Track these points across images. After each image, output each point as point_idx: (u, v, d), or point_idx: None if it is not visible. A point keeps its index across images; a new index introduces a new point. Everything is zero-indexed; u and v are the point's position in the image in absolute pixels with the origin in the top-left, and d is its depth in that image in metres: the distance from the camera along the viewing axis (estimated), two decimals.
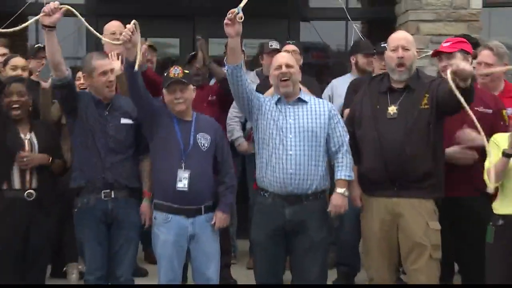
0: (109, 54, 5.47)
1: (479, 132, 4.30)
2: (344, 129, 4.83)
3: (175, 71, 4.81)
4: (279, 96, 4.86)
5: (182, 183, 4.71)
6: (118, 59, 5.50)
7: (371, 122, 4.80)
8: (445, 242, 4.71)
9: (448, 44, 5.17)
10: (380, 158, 4.70)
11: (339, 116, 4.89)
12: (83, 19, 4.70)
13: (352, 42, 7.77)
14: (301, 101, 4.85)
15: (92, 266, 4.87)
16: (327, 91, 6.50)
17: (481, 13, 7.60)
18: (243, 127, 6.32)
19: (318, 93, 5.82)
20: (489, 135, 4.51)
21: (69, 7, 4.65)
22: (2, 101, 5.07)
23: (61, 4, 4.63)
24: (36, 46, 6.57)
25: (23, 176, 4.98)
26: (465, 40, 5.27)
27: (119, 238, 4.88)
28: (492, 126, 4.77)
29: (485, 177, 4.38)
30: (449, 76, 4.29)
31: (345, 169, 4.75)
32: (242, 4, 4.47)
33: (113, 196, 4.86)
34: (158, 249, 4.81)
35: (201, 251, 4.79)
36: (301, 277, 4.79)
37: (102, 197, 4.84)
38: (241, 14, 4.45)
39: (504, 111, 5.02)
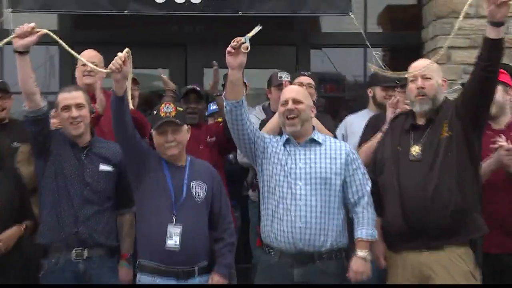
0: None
1: None
2: (366, 177, 4.87)
3: (167, 109, 4.85)
4: (287, 136, 4.90)
5: (173, 241, 4.72)
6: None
7: (391, 166, 4.86)
8: None
9: None
10: (400, 208, 4.74)
11: (360, 161, 4.93)
12: (63, 43, 4.75)
13: (372, 72, 7.83)
14: (314, 142, 4.89)
15: None
16: (340, 130, 6.55)
17: None
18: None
19: (332, 131, 5.83)
20: None
21: (48, 31, 4.70)
22: None
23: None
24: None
25: None
26: (504, 71, 5.33)
27: None
28: None
29: None
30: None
31: (366, 227, 4.76)
32: (251, 34, 4.56)
33: (86, 255, 4.87)
34: None
35: None
36: None
37: (74, 256, 4.85)
38: (247, 44, 4.53)
39: None
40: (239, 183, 6.87)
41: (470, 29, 7.64)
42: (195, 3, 7.44)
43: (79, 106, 5.00)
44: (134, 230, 5.10)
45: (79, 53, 4.96)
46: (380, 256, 4.92)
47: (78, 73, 5.95)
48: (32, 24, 4.64)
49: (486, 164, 5.04)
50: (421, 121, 4.90)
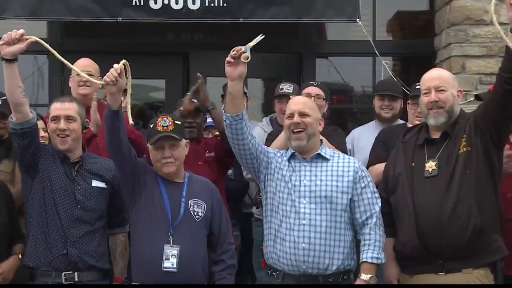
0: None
1: None
2: (375, 196, 4.85)
3: (164, 122, 4.84)
4: (292, 151, 4.90)
5: (170, 262, 4.71)
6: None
7: (405, 183, 4.84)
8: None
9: None
10: (415, 228, 4.73)
11: (369, 179, 4.90)
12: (55, 52, 4.72)
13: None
14: (320, 157, 4.88)
15: None
16: (347, 145, 6.54)
17: None
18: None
19: (342, 146, 5.79)
20: None
21: (37, 38, 4.69)
22: None
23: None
24: None
25: None
26: None
27: None
28: None
29: None
30: None
31: (372, 249, 4.75)
32: (252, 43, 4.56)
33: (76, 279, 4.84)
34: None
35: None
36: None
37: (63, 280, 4.82)
38: (248, 54, 4.52)
39: None
40: (239, 200, 6.88)
41: (486, 36, 7.65)
42: (193, 9, 7.45)
43: (69, 118, 4.98)
44: (128, 251, 5.10)
45: (72, 63, 4.95)
46: (393, 280, 4.90)
47: (72, 84, 5.92)
48: (21, 31, 4.63)
49: None
50: (435, 135, 4.89)
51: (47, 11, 7.50)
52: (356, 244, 4.87)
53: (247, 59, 4.55)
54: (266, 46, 4.68)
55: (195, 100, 5.93)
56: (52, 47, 4.78)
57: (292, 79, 6.95)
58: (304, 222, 4.71)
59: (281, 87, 6.38)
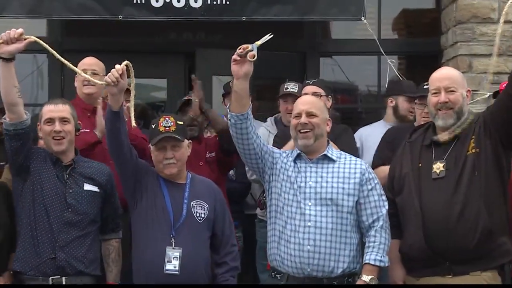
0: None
1: None
2: (382, 198, 4.84)
3: (166, 123, 4.85)
4: (298, 151, 4.89)
5: (172, 265, 4.72)
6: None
7: (412, 184, 4.83)
8: None
9: None
10: (422, 230, 4.72)
11: (376, 181, 4.89)
12: (55, 52, 4.73)
13: (387, 81, 7.82)
14: (327, 159, 4.87)
15: None
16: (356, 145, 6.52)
17: None
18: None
19: (352, 147, 5.75)
20: None
21: (36, 38, 4.69)
22: None
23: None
24: None
25: None
26: None
27: None
28: None
29: None
30: None
31: (376, 252, 4.74)
32: (260, 42, 4.56)
33: (63, 283, 4.82)
34: None
35: None
36: None
37: (51, 284, 4.80)
38: (254, 52, 4.52)
39: None
40: (241, 201, 6.88)
41: (494, 35, 7.58)
42: (195, 7, 7.44)
43: (63, 120, 4.97)
44: (121, 258, 5.12)
45: (72, 62, 4.93)
46: (399, 282, 4.91)
47: (78, 83, 5.92)
48: (20, 30, 4.63)
49: None
50: (444, 136, 4.88)
51: (47, 9, 7.48)
52: (363, 247, 4.86)
53: (254, 58, 4.54)
54: (270, 45, 4.67)
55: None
56: (51, 46, 4.78)
57: (296, 79, 6.93)
58: (309, 224, 4.70)
59: (286, 86, 6.38)
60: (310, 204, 4.73)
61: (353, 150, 5.54)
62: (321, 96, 5.96)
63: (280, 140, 5.58)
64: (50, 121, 4.95)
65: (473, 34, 7.70)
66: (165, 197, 4.84)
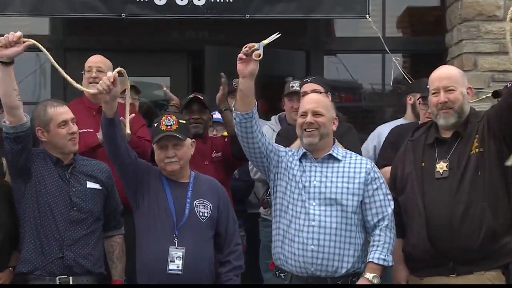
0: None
1: None
2: (387, 198, 4.85)
3: (168, 121, 4.86)
4: (304, 150, 4.90)
5: (175, 264, 4.73)
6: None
7: (415, 184, 4.84)
8: None
9: None
10: (425, 230, 4.73)
11: (382, 180, 4.90)
12: (49, 56, 4.77)
13: (392, 80, 7.82)
14: (332, 158, 4.88)
15: None
16: (371, 141, 6.51)
17: None
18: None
19: (355, 146, 5.74)
20: None
21: (35, 42, 4.71)
22: None
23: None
24: None
25: None
26: None
27: None
28: None
29: None
30: None
31: (380, 251, 4.75)
32: (267, 41, 4.57)
33: (71, 283, 4.84)
34: None
35: None
36: None
37: (57, 284, 4.82)
38: (260, 51, 4.53)
39: None
40: (243, 199, 6.89)
41: (499, 32, 7.61)
42: (198, 5, 7.45)
43: (73, 120, 5.04)
44: (125, 254, 5.15)
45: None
46: (402, 282, 4.92)
47: (84, 81, 5.92)
48: (19, 34, 4.64)
49: None
50: (446, 135, 4.88)
51: (49, 7, 7.46)
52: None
53: (259, 57, 4.55)
54: (274, 43, 4.69)
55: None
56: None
57: (300, 77, 6.93)
58: (313, 223, 4.71)
59: (291, 85, 6.38)
60: (314, 204, 4.75)
61: (357, 149, 5.53)
62: (320, 93, 5.97)
63: (282, 138, 5.59)
64: (65, 123, 4.98)
65: (478, 32, 7.68)
66: (167, 197, 4.86)
